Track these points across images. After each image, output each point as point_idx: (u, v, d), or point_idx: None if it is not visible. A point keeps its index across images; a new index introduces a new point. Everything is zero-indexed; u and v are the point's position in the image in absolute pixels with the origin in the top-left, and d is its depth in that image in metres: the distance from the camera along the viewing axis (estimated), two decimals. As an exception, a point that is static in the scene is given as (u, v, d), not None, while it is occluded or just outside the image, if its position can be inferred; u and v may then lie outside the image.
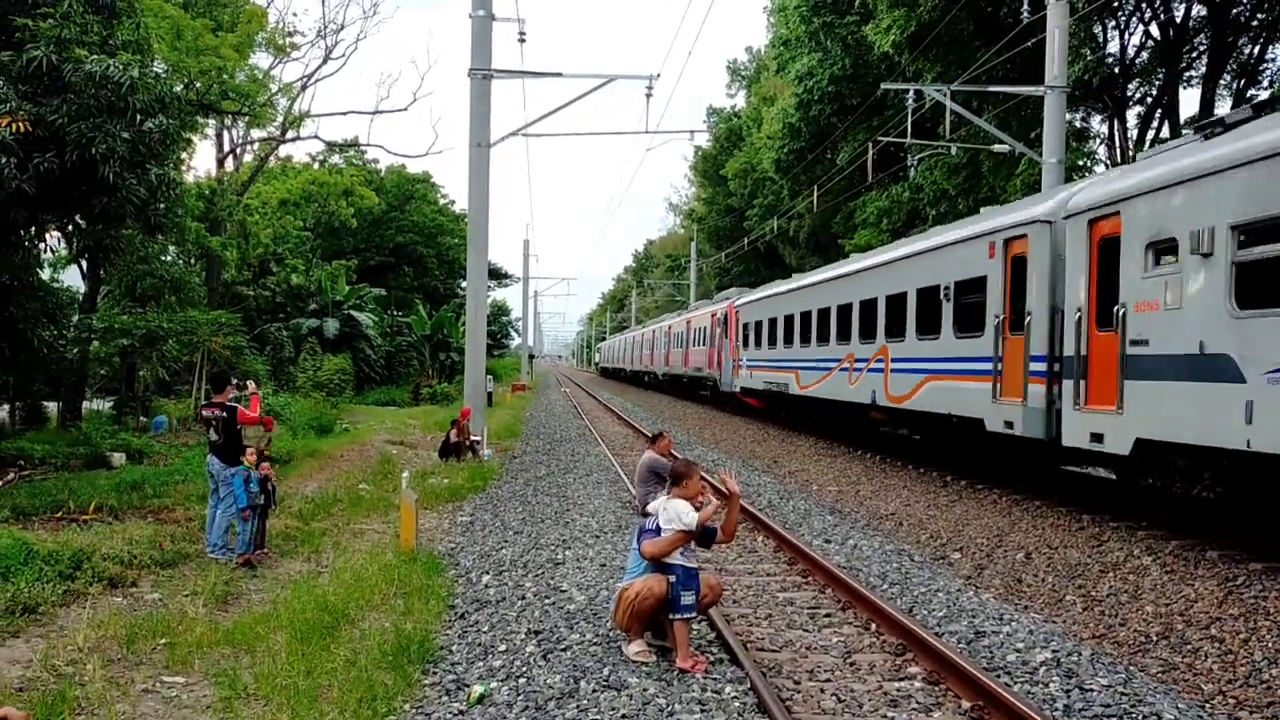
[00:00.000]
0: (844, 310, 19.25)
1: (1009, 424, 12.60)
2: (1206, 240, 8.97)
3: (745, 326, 28.40)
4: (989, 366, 13.17)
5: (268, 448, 11.94)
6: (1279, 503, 9.62)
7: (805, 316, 22.08)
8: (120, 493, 14.38)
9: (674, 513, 6.76)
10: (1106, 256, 10.74)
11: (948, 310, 14.58)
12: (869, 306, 17.92)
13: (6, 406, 23.27)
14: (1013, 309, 12.75)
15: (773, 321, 25.08)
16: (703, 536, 6.98)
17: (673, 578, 6.63)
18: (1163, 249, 9.83)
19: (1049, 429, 11.87)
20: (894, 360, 16.59)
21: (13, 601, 8.21)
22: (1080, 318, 11.08)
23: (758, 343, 26.71)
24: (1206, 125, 10.11)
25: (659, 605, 6.64)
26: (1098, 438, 10.72)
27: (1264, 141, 8.56)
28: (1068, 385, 11.33)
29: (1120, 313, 10.24)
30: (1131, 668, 6.89)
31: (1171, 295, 9.55)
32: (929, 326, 15.23)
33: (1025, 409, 12.16)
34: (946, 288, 14.57)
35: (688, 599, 6.63)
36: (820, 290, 21.18)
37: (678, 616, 6.63)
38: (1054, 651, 7.03)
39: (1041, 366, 11.97)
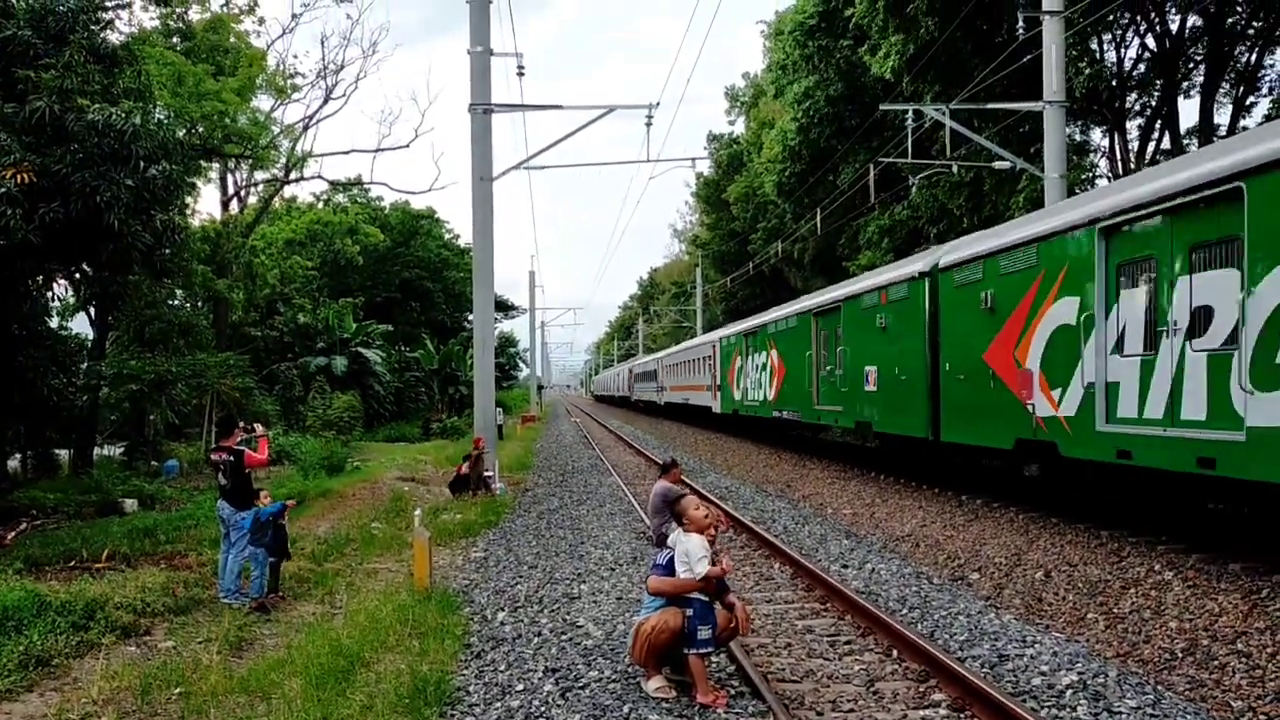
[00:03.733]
0: (655, 369, 50.23)
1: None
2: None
3: (635, 375, 67.20)
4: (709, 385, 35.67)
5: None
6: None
7: (647, 372, 55.37)
8: (133, 539, 14.37)
9: (685, 551, 6.65)
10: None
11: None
12: (653, 371, 50.18)
13: (18, 456, 23.30)
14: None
15: (645, 373, 59.79)
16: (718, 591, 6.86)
17: (689, 611, 6.54)
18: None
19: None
20: (669, 385, 43.87)
21: (25, 655, 8.17)
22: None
23: (640, 379, 62.80)
24: None
25: (676, 639, 6.55)
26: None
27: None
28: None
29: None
30: (1159, 686, 6.78)
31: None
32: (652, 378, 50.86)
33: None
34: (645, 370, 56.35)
35: (704, 633, 6.53)
36: (656, 358, 53.05)
37: (694, 651, 6.53)
38: (1080, 673, 6.92)
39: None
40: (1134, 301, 10.07)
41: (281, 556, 11.26)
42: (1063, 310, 11.23)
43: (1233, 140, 9.67)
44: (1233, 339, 8.52)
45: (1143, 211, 9.76)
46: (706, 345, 33.94)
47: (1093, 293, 10.60)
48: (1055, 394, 11.34)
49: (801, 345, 21.64)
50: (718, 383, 30.83)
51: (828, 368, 19.85)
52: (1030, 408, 11.88)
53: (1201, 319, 9.01)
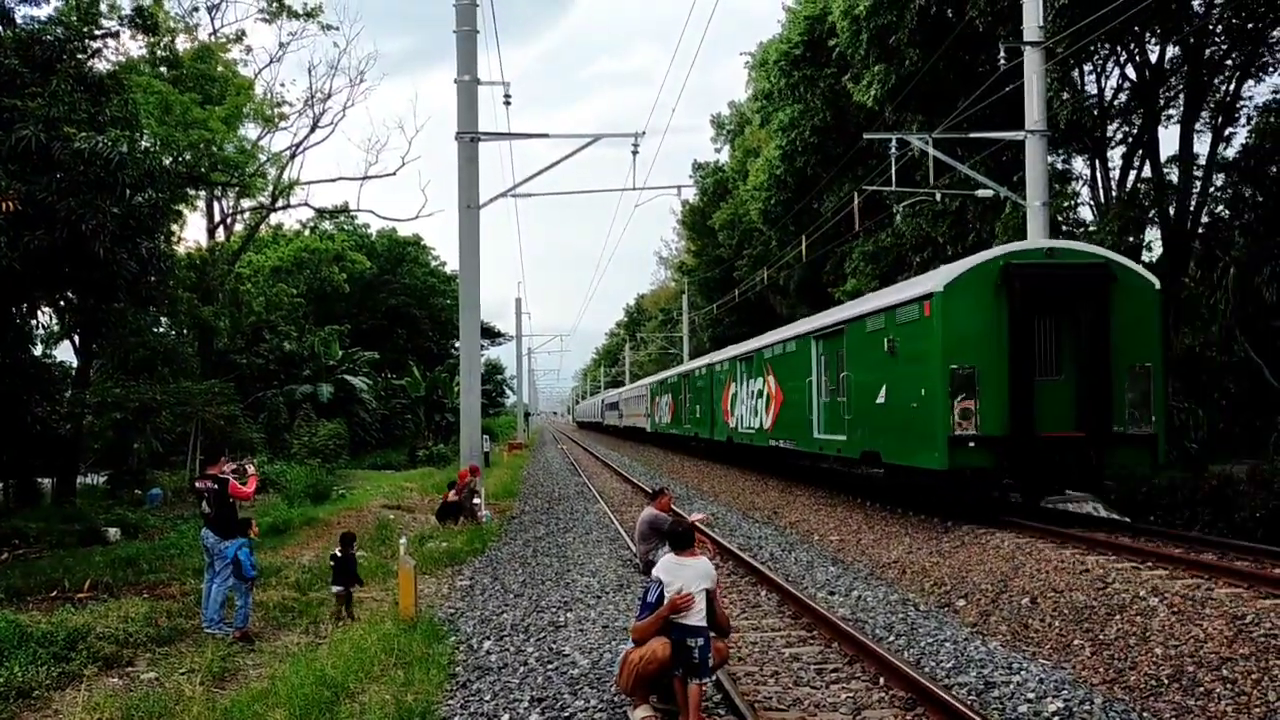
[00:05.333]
0: (617, 401, 68.66)
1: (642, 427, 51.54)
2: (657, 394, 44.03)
3: (606, 405, 78.76)
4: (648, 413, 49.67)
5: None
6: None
7: (613, 403, 72.04)
8: (115, 569, 14.26)
9: (698, 577, 6.65)
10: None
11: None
12: (617, 403, 68.70)
13: (0, 484, 23.10)
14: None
15: (611, 404, 73.32)
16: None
17: (700, 641, 6.49)
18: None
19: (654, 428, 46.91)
20: (625, 414, 60.55)
21: (6, 686, 8.09)
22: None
23: (608, 409, 74.88)
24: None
25: (664, 669, 6.52)
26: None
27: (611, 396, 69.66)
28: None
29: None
30: (1145, 713, 6.79)
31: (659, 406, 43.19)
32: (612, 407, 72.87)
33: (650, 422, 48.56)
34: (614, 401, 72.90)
35: (712, 661, 6.54)
36: (618, 393, 73.16)
37: (700, 681, 6.49)
38: (1065, 701, 6.93)
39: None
40: (743, 386, 25.08)
41: (352, 583, 11.52)
42: (733, 387, 26.44)
43: (725, 348, 30.75)
44: (748, 402, 24.42)
45: (740, 356, 25.58)
46: (644, 387, 52.46)
47: (739, 381, 25.59)
48: (732, 418, 26.53)
49: (678, 391, 38.17)
50: (648, 412, 48.11)
51: (687, 405, 35.32)
52: (727, 423, 27.15)
53: (746, 394, 24.79)
